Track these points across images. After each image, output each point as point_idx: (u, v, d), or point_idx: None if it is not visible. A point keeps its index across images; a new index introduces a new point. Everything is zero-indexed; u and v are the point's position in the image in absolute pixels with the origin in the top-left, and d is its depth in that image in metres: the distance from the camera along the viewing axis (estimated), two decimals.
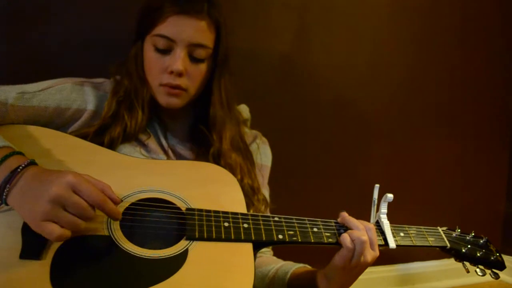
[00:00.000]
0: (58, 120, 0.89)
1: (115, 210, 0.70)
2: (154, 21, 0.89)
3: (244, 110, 1.13)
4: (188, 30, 0.89)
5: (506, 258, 0.99)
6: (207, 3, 0.91)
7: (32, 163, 0.71)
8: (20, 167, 0.69)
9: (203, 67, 0.93)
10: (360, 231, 0.83)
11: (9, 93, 0.84)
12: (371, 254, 0.83)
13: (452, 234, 0.97)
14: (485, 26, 1.92)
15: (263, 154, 1.10)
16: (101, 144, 0.87)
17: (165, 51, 0.90)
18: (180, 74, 0.90)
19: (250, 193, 0.94)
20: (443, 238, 0.94)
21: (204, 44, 0.91)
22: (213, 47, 0.93)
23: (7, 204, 0.69)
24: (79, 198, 0.66)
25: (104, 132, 0.89)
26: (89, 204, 0.67)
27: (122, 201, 0.75)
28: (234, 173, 0.90)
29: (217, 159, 0.95)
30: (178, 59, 0.89)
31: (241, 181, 0.92)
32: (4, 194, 0.68)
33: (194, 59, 0.92)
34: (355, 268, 0.84)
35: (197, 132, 1.00)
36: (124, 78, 0.95)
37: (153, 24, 0.90)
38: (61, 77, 0.93)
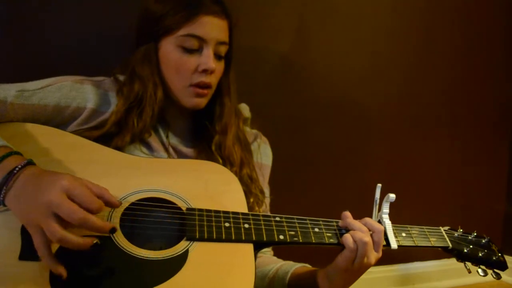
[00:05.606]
0: (57, 118, 0.89)
1: (103, 223, 0.67)
2: (179, 22, 0.90)
3: (244, 109, 1.13)
4: (215, 29, 0.93)
5: (506, 258, 0.99)
6: (223, 4, 0.96)
7: (30, 163, 0.71)
8: (17, 168, 0.69)
9: (222, 64, 0.98)
10: (363, 232, 0.82)
11: (8, 91, 0.84)
12: (374, 255, 0.83)
13: (454, 234, 0.96)
14: (485, 26, 1.91)
15: (263, 154, 1.10)
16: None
17: (194, 51, 0.92)
18: (211, 72, 0.93)
19: (249, 182, 0.97)
20: (445, 238, 0.94)
21: (226, 42, 0.96)
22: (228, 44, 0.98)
23: (5, 205, 0.68)
24: (73, 205, 0.64)
25: (110, 139, 0.88)
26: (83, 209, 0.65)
27: (121, 203, 0.74)
28: (235, 164, 0.95)
29: (219, 150, 0.96)
30: (210, 58, 0.91)
31: (240, 171, 0.96)
32: (2, 195, 0.68)
33: (218, 57, 0.95)
34: (359, 269, 0.84)
35: (200, 126, 1.00)
36: (135, 82, 0.93)
37: (177, 25, 0.91)
38: (61, 75, 0.92)
